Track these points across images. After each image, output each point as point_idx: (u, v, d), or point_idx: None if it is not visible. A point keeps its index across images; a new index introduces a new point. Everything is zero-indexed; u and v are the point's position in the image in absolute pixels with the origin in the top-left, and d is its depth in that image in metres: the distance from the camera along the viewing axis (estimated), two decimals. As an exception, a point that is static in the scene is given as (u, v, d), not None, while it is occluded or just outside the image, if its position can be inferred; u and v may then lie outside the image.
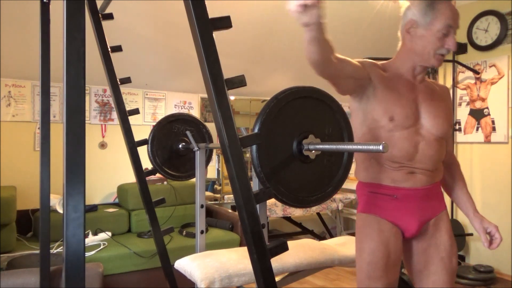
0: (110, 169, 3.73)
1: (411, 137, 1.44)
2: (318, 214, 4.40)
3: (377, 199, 1.47)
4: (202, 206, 2.15)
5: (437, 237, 1.55)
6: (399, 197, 1.46)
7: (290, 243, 1.95)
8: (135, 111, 1.97)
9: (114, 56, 1.90)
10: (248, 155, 2.94)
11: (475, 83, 3.80)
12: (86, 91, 2.01)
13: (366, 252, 1.44)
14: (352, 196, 4.24)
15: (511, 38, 3.53)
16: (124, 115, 1.92)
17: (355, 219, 1.53)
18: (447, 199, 1.74)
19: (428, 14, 1.44)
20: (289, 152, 1.16)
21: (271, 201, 3.69)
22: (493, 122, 3.66)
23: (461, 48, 3.87)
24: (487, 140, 3.69)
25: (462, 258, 3.85)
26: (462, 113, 3.91)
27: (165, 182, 3.67)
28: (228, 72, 0.95)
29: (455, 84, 3.93)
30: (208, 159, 2.39)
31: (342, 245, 2.16)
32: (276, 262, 1.76)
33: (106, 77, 1.91)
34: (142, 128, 3.84)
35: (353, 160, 1.48)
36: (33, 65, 2.93)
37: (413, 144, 1.44)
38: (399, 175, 1.45)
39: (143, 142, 2.03)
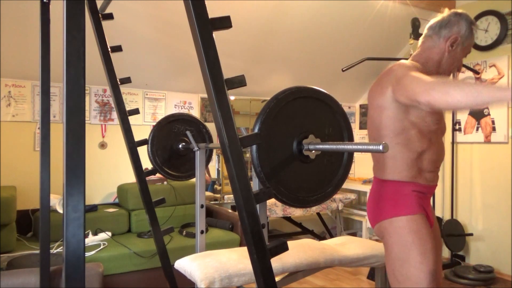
0: (110, 169, 3.73)
1: (441, 139, 1.54)
2: (318, 214, 4.40)
3: (419, 198, 1.48)
4: (202, 206, 2.15)
5: (434, 228, 1.62)
6: (427, 195, 1.53)
7: (290, 243, 1.95)
8: (135, 111, 1.97)
9: (114, 56, 1.90)
10: (248, 155, 2.94)
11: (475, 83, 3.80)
12: (86, 91, 2.01)
13: (432, 252, 1.43)
14: (352, 196, 4.24)
15: (511, 38, 3.53)
16: (124, 115, 1.92)
17: (400, 222, 1.43)
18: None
19: (469, 37, 1.53)
20: (289, 152, 1.15)
21: (271, 201, 3.69)
22: (493, 122, 3.66)
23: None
24: (487, 140, 3.69)
25: (462, 258, 3.85)
26: (462, 113, 3.91)
27: (165, 182, 3.67)
28: (228, 72, 0.95)
29: (455, 84, 3.93)
30: (208, 159, 2.39)
31: (342, 245, 2.16)
32: (276, 262, 1.76)
33: (106, 77, 1.91)
34: (142, 128, 3.84)
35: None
36: (33, 65, 2.93)
37: (442, 146, 1.55)
38: (431, 175, 1.51)
39: (143, 142, 2.03)
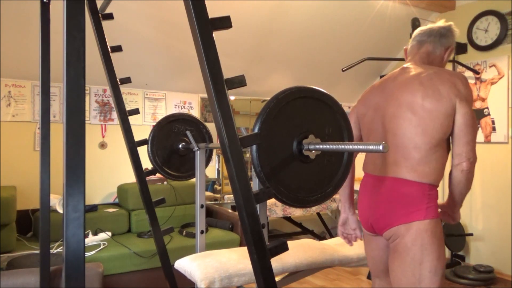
0: (110, 169, 3.73)
1: None
2: (318, 214, 4.40)
3: None
4: (202, 206, 2.15)
5: None
6: None
7: (290, 243, 1.95)
8: (135, 111, 1.97)
9: (114, 56, 1.90)
10: (248, 155, 2.94)
11: (475, 83, 3.80)
12: (86, 91, 2.01)
13: (445, 256, 1.50)
14: (352, 196, 4.24)
15: (511, 38, 3.53)
16: (124, 115, 1.92)
17: (426, 225, 1.46)
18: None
19: (454, 49, 1.74)
20: (289, 152, 1.15)
21: (271, 201, 3.69)
22: (493, 122, 3.65)
23: (461, 48, 3.87)
24: (487, 140, 3.69)
25: (462, 258, 3.85)
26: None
27: (165, 182, 3.67)
28: (228, 72, 0.95)
29: (455, 84, 3.93)
30: (208, 159, 2.39)
31: (342, 245, 2.16)
32: (276, 262, 1.76)
33: (106, 77, 1.91)
34: (142, 128, 3.84)
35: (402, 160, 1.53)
36: (33, 65, 2.92)
37: None
38: None
39: (143, 142, 2.03)
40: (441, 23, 1.68)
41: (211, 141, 2.46)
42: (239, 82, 0.98)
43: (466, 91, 1.52)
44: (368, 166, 1.69)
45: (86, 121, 1.99)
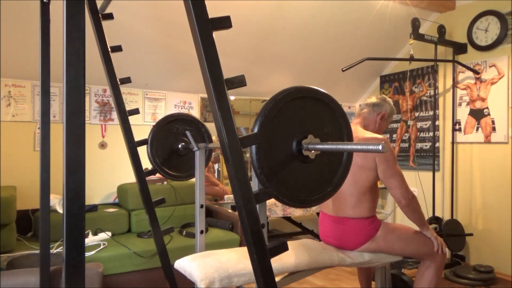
0: (110, 169, 3.73)
1: None
2: (318, 214, 4.39)
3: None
4: (202, 206, 2.15)
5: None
6: None
7: (290, 243, 1.95)
8: (135, 111, 1.97)
9: (114, 56, 1.90)
10: (248, 155, 2.94)
11: (475, 83, 3.80)
12: (86, 91, 2.01)
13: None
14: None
15: (511, 38, 3.53)
16: (124, 115, 1.92)
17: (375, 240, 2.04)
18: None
19: (391, 114, 2.30)
20: (289, 152, 1.15)
21: (271, 201, 3.68)
22: (493, 122, 3.65)
23: (461, 48, 3.87)
24: (487, 140, 3.69)
25: (462, 258, 3.85)
26: (462, 113, 3.91)
27: (165, 182, 3.67)
28: (228, 72, 0.95)
29: (455, 84, 3.93)
30: (207, 159, 2.39)
31: (342, 245, 2.15)
32: (276, 262, 1.77)
33: (106, 77, 1.91)
34: (142, 128, 3.84)
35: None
36: (33, 65, 2.93)
37: None
38: None
39: (143, 142, 2.03)
40: (378, 96, 2.27)
41: (210, 141, 2.45)
42: (239, 82, 0.99)
43: (386, 153, 1.99)
44: (323, 207, 2.19)
45: (86, 121, 2.00)
